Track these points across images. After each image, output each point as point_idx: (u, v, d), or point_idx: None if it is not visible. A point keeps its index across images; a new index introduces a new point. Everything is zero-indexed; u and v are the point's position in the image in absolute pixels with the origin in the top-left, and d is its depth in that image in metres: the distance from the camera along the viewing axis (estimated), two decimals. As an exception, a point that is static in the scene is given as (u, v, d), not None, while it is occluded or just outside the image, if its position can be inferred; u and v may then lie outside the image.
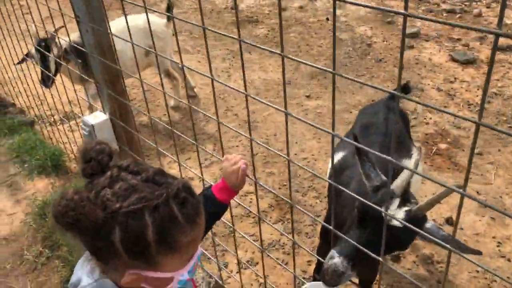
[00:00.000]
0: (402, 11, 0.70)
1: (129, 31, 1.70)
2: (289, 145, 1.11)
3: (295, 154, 3.51)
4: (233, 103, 4.22)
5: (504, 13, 0.60)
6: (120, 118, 2.24)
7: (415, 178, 1.95)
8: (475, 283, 2.42)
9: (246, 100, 1.23)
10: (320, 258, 1.46)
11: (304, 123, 3.91)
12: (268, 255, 1.71)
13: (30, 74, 3.13)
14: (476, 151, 3.44)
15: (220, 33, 1.15)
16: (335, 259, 1.32)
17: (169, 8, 3.75)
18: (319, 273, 1.38)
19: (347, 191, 1.09)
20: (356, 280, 1.99)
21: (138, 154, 2.28)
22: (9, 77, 3.82)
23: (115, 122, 2.24)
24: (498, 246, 2.61)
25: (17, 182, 3.10)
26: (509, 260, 2.52)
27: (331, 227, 1.23)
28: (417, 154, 1.46)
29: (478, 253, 1.21)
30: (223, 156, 1.41)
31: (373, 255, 1.07)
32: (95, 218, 0.82)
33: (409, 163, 1.91)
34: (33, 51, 3.22)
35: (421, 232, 1.05)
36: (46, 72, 3.18)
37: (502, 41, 4.98)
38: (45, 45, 3.13)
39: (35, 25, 3.08)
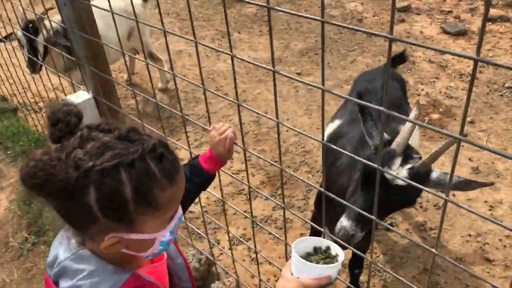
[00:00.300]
0: None
1: (113, 16, 1.62)
2: (281, 121, 1.07)
3: (287, 130, 3.48)
4: (222, 83, 4.17)
5: None
6: (104, 96, 2.19)
7: (413, 137, 1.95)
8: (467, 247, 2.43)
9: (234, 80, 1.19)
10: (315, 226, 1.46)
11: (296, 100, 3.88)
12: (261, 226, 1.68)
13: (12, 62, 3.03)
14: (468, 119, 3.42)
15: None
16: (343, 222, 1.36)
17: None
18: None
19: (348, 153, 1.05)
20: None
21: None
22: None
23: (99, 101, 2.20)
24: (490, 210, 2.60)
25: (1, 169, 3.06)
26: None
27: (326, 192, 1.20)
28: (416, 109, 1.43)
29: (490, 184, 1.20)
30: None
31: (379, 221, 1.03)
32: (67, 178, 0.78)
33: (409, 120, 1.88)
34: (19, 34, 3.02)
35: (425, 189, 0.97)
36: (33, 58, 3.00)
37: (492, 12, 4.93)
38: (33, 27, 2.93)
39: (22, 7, 2.92)
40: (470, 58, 0.64)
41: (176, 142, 1.73)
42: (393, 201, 1.34)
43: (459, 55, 0.67)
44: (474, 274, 0.84)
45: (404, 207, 1.50)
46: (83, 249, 0.90)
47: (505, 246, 2.42)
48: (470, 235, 2.48)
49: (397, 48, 4.51)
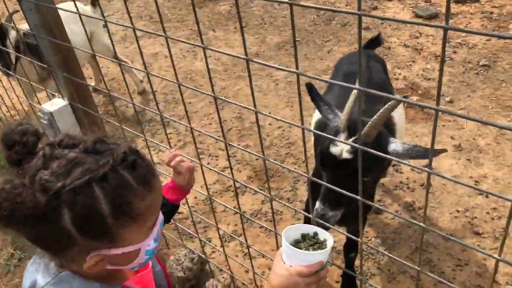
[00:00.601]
0: None
1: (80, 17, 1.58)
2: (263, 114, 1.06)
3: (270, 124, 3.47)
4: (201, 82, 4.13)
5: None
6: (80, 101, 2.14)
7: (400, 117, 1.98)
8: (456, 223, 2.46)
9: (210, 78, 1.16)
10: (305, 213, 1.49)
11: (276, 93, 3.87)
12: (251, 220, 1.67)
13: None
14: (447, 99, 3.46)
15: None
16: (316, 205, 1.43)
17: None
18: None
19: (327, 135, 1.05)
20: (347, 241, 1.98)
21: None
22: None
23: (75, 107, 2.15)
24: (475, 185, 2.64)
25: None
26: (486, 196, 2.56)
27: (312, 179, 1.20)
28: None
29: (443, 151, 1.23)
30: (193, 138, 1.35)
31: (365, 201, 1.02)
32: (35, 203, 0.72)
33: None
34: None
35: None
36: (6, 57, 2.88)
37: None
38: (0, 31, 2.79)
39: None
40: (440, 27, 0.67)
41: (160, 144, 1.70)
42: (351, 176, 1.35)
43: (430, 25, 0.68)
44: (466, 245, 0.84)
45: (373, 177, 1.50)
46: (64, 272, 0.85)
47: (493, 218, 2.46)
48: (458, 211, 2.51)
49: (371, 34, 4.55)
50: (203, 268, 2.25)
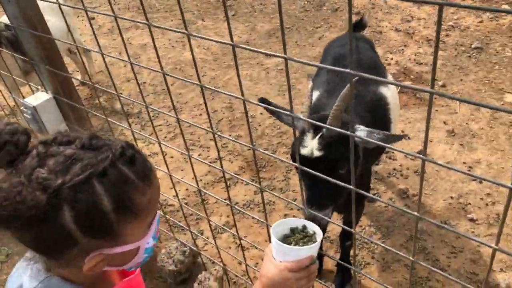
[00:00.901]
0: None
1: (60, 8, 1.52)
2: (251, 102, 1.03)
3: (261, 113, 3.42)
4: (191, 72, 4.07)
5: None
6: (64, 95, 2.08)
7: (394, 104, 1.95)
8: (450, 209, 2.44)
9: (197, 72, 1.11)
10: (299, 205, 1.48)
11: (267, 81, 3.81)
12: (243, 212, 1.63)
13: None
14: (440, 83, 3.43)
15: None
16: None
17: None
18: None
19: (314, 121, 1.01)
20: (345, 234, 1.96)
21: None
22: None
23: (60, 101, 2.09)
24: (469, 170, 2.62)
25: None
26: (480, 182, 2.54)
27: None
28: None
29: (405, 136, 1.25)
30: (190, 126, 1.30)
31: (358, 190, 1.00)
32: (36, 202, 0.69)
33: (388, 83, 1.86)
34: None
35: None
36: None
37: (454, -26, 4.95)
38: None
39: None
40: (435, 3, 0.64)
41: (149, 137, 1.65)
42: (329, 171, 1.34)
43: (425, 2, 0.65)
44: (460, 233, 0.81)
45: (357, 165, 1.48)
46: (52, 276, 0.83)
47: (486, 204, 2.44)
48: (452, 198, 2.49)
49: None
50: (195, 261, 2.22)
